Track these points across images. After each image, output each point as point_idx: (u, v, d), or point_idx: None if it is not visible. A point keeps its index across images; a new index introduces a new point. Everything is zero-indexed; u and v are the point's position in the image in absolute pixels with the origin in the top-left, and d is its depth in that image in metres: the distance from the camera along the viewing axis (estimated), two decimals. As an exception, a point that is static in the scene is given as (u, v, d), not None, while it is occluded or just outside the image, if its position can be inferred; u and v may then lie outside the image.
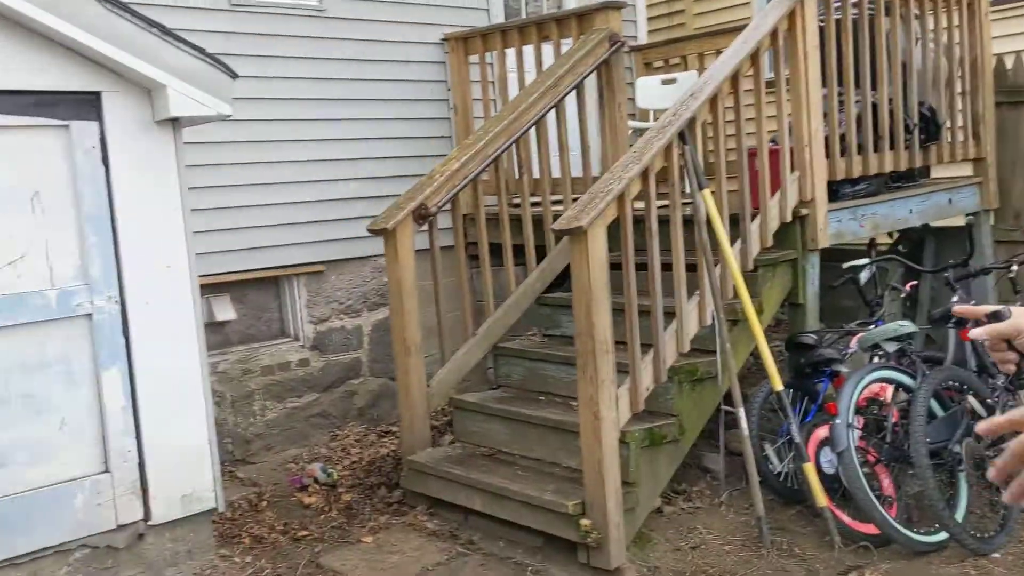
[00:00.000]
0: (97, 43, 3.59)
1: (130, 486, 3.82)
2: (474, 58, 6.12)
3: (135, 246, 3.82)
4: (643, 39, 7.48)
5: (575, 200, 5.38)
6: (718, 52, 4.99)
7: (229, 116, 4.02)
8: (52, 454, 3.65)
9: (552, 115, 5.16)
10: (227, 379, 5.35)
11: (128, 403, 3.81)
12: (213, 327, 5.32)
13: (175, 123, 3.91)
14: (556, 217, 5.33)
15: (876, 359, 4.54)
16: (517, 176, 5.48)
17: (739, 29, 4.72)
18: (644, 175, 3.96)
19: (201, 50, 3.85)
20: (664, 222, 4.21)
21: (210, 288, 5.23)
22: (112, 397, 3.77)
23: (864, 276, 4.80)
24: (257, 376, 5.48)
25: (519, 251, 5.25)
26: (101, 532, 3.76)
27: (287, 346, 5.68)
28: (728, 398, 4.34)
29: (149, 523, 3.88)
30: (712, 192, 4.30)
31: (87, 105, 3.71)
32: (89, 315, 3.72)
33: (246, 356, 5.47)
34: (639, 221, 4.11)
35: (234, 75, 3.96)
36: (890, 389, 4.40)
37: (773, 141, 4.82)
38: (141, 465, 3.84)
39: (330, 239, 5.73)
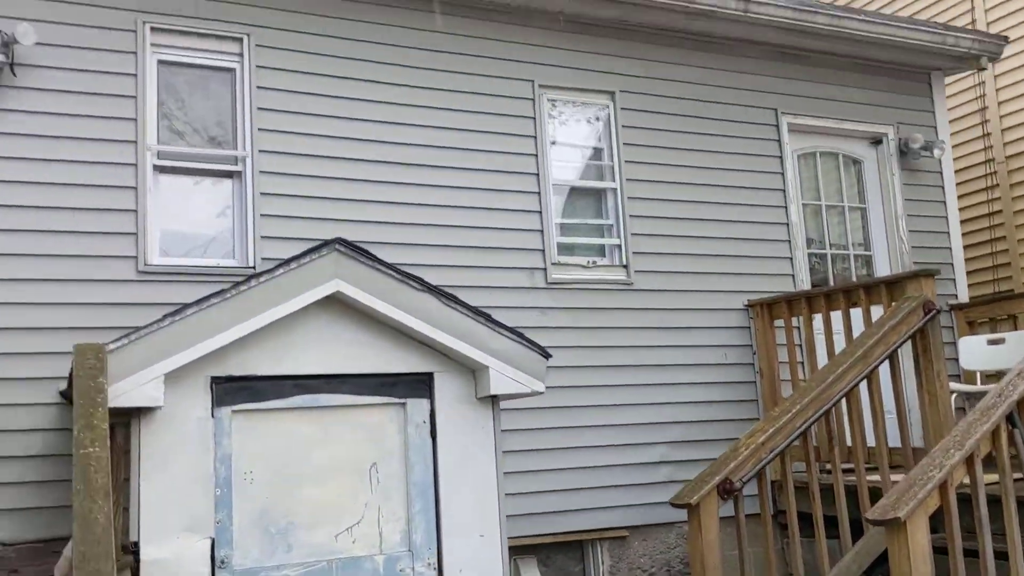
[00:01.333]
0: (435, 332, 4.10)
1: None
2: (779, 322, 6.16)
3: (454, 514, 4.11)
4: (963, 297, 7.15)
5: (892, 469, 5.11)
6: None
7: (542, 393, 4.32)
8: None
9: (864, 384, 5.00)
10: (530, 643, 5.39)
11: (438, 669, 3.97)
12: (521, 589, 5.46)
13: (494, 399, 4.27)
14: (871, 489, 5.06)
15: None
16: (828, 446, 5.28)
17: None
18: (969, 460, 3.69)
19: (520, 335, 4.25)
20: (995, 501, 3.84)
21: (516, 550, 5.42)
22: (424, 662, 3.95)
23: None
24: (560, 642, 5.48)
25: (831, 522, 4.96)
26: None
27: (590, 612, 5.65)
28: None
29: None
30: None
31: (421, 385, 4.18)
32: (410, 580, 4.00)
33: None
34: (966, 501, 3.78)
35: (547, 355, 4.30)
36: None
37: None
38: None
39: (634, 504, 5.78)
